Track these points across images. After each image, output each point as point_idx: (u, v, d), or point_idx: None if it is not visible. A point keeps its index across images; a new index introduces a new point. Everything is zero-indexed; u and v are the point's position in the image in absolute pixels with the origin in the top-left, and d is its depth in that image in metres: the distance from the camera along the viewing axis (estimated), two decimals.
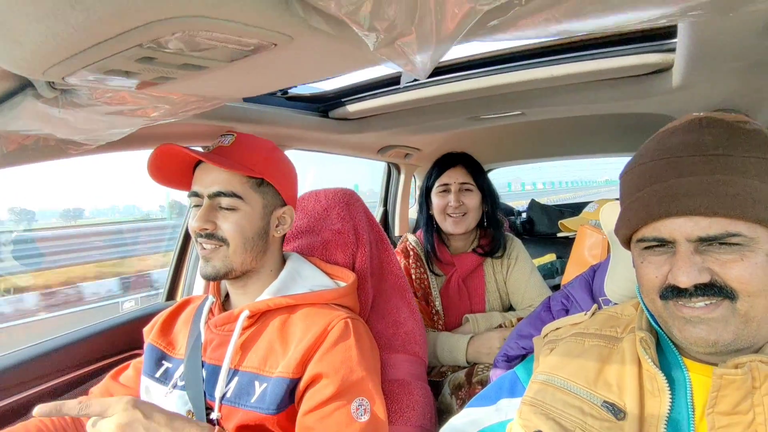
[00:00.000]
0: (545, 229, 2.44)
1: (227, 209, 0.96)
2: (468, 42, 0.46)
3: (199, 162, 1.00)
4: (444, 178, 1.68)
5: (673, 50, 0.91)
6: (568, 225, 2.18)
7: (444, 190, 1.67)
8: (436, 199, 1.68)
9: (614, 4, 0.39)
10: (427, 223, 1.74)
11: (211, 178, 0.96)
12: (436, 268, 1.69)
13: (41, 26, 0.38)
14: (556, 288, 1.89)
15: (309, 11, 0.41)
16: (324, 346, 0.92)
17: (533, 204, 2.58)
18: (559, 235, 2.29)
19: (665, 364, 0.71)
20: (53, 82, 0.56)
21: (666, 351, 0.73)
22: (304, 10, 0.41)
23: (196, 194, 0.98)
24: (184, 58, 0.48)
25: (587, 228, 1.60)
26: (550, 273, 2.13)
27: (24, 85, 0.60)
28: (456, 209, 1.63)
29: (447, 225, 1.66)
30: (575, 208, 2.39)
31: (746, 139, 0.63)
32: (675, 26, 0.90)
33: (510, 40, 0.47)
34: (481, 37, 0.44)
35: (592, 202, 2.12)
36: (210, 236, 0.95)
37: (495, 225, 1.72)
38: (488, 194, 1.69)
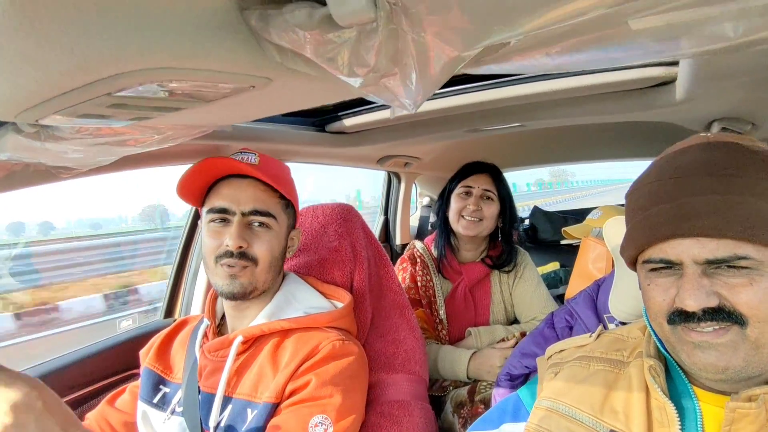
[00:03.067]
0: (548, 236, 2.41)
1: (261, 228, 0.96)
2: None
3: (220, 178, 0.99)
4: (468, 181, 1.66)
5: (676, 63, 0.89)
6: (571, 232, 2.15)
7: (466, 192, 1.66)
8: (455, 202, 1.67)
9: (610, 44, 0.37)
10: (442, 226, 1.72)
11: (246, 195, 0.95)
12: (444, 273, 1.68)
13: (3, 76, 0.36)
14: (560, 298, 1.86)
15: (285, 55, 0.39)
16: (305, 366, 0.91)
17: (536, 211, 2.55)
18: (563, 242, 2.26)
19: (674, 392, 0.69)
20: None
21: (675, 379, 0.71)
22: (280, 55, 0.39)
23: (223, 210, 0.95)
24: (157, 102, 0.46)
25: (591, 240, 1.57)
26: (554, 282, 2.10)
27: (3, 120, 0.58)
28: (473, 213, 1.61)
29: (459, 227, 1.64)
30: (579, 215, 2.36)
31: (756, 161, 0.62)
32: None
33: (502, 73, 0.45)
34: (473, 69, 0.42)
35: (596, 208, 2.09)
36: (242, 255, 0.94)
37: (507, 240, 1.70)
38: (508, 208, 1.68)
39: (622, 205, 2.20)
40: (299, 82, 0.48)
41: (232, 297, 0.96)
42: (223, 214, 0.95)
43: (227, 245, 0.93)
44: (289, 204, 1.03)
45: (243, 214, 0.95)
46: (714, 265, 0.60)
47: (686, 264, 0.61)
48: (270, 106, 0.62)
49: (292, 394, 0.89)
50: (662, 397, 0.66)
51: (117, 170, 1.11)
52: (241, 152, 0.98)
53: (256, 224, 0.96)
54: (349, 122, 1.36)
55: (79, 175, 1.00)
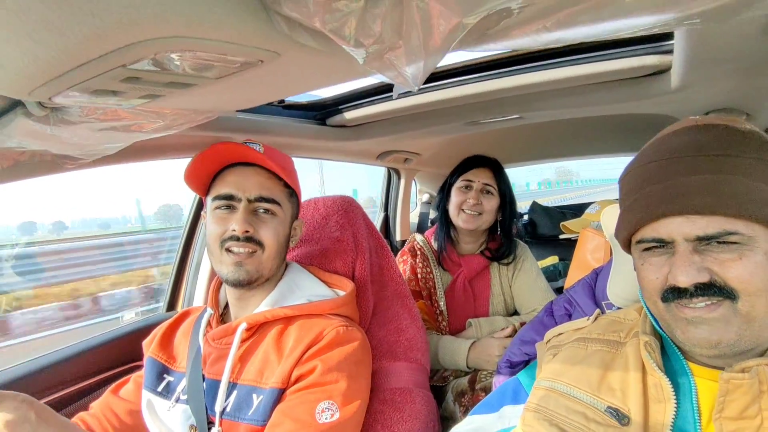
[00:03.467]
0: (547, 231, 2.43)
1: (267, 214, 0.98)
2: (459, 51, 0.45)
3: (225, 167, 1.00)
4: (469, 175, 1.68)
5: (670, 52, 0.90)
6: (570, 227, 2.17)
7: (466, 186, 1.67)
8: (455, 195, 1.68)
9: (608, 14, 0.38)
10: (442, 218, 1.74)
11: (252, 182, 0.97)
12: (444, 265, 1.69)
13: (21, 49, 0.37)
14: (559, 291, 1.88)
15: (294, 27, 0.40)
16: (311, 350, 0.92)
17: (535, 206, 2.56)
18: (562, 237, 2.27)
19: (670, 369, 0.70)
20: (42, 101, 0.56)
21: (671, 355, 0.72)
22: (289, 27, 0.40)
23: (229, 197, 0.97)
24: (170, 76, 0.47)
25: (589, 231, 1.58)
26: (553, 275, 2.11)
27: (14, 104, 0.59)
28: (473, 207, 1.63)
29: (459, 220, 1.66)
30: (577, 210, 2.37)
31: (743, 140, 0.64)
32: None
33: (501, 51, 0.46)
34: (471, 46, 0.44)
35: (594, 203, 2.11)
36: (249, 239, 0.95)
37: (506, 233, 1.72)
38: (508, 203, 1.70)
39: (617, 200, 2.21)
40: (306, 59, 0.50)
41: (238, 284, 0.97)
42: (229, 201, 0.97)
43: (233, 230, 0.94)
44: (293, 193, 1.05)
45: (249, 201, 0.96)
46: (704, 241, 0.62)
47: (677, 241, 0.63)
48: (277, 87, 0.63)
49: (298, 379, 0.90)
50: (657, 372, 0.68)
51: (120, 162, 1.12)
52: (245, 143, 0.99)
53: (262, 211, 0.98)
54: (349, 115, 1.37)
55: (84, 165, 1.01)
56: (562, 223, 2.23)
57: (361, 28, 0.35)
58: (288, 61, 0.49)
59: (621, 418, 0.69)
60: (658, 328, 0.73)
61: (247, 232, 0.94)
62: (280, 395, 0.90)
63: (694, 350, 0.66)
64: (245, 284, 0.97)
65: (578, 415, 0.72)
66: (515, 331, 1.50)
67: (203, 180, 1.02)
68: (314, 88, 0.66)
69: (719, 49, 0.72)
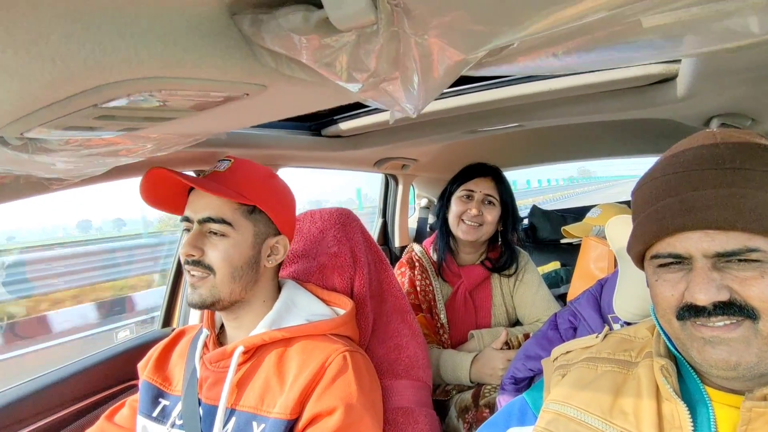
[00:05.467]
0: (548, 235, 2.39)
1: (216, 236, 0.93)
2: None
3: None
4: (470, 185, 1.64)
5: (677, 60, 0.87)
6: (571, 231, 2.14)
7: (467, 196, 1.63)
8: (455, 205, 1.64)
9: (619, 43, 0.35)
10: (441, 228, 1.70)
11: (202, 204, 0.93)
12: (443, 276, 1.66)
13: None
14: (561, 297, 1.85)
15: (280, 61, 0.37)
16: (322, 384, 0.88)
17: (535, 210, 2.53)
18: (563, 241, 2.24)
19: (685, 393, 0.67)
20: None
21: (686, 378, 0.69)
22: (275, 61, 0.37)
23: (187, 219, 0.95)
24: (148, 112, 0.44)
25: (592, 239, 1.56)
26: (555, 282, 2.08)
27: None
28: (474, 218, 1.59)
29: (459, 231, 1.62)
30: (578, 214, 2.34)
31: (762, 155, 0.61)
32: None
33: (508, 74, 0.43)
34: (474, 71, 0.41)
35: (595, 206, 2.08)
36: (197, 263, 0.92)
37: (507, 243, 1.68)
38: (509, 213, 1.66)
39: (621, 202, 2.19)
40: (295, 88, 0.47)
41: (194, 307, 0.94)
42: (187, 223, 0.95)
43: (181, 252, 0.92)
44: (255, 210, 0.97)
45: (199, 222, 0.93)
46: (724, 258, 0.59)
47: (696, 258, 0.60)
48: (265, 112, 0.60)
49: (316, 418, 0.86)
50: (675, 398, 0.65)
51: (110, 179, 1.09)
52: (222, 159, 0.97)
53: (212, 233, 0.93)
54: (345, 126, 1.34)
55: (71, 186, 0.98)
56: (563, 228, 2.20)
57: (353, 63, 0.32)
58: (276, 91, 0.46)
59: None
60: (672, 349, 0.70)
61: (192, 255, 0.91)
62: (288, 427, 0.86)
63: (711, 372, 0.63)
64: (201, 307, 0.94)
65: None
66: (516, 341, 1.47)
67: (174, 203, 0.99)
68: (305, 112, 0.63)
69: (727, 58, 0.69)
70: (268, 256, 1.00)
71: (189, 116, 0.49)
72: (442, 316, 1.59)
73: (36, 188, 0.93)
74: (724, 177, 0.60)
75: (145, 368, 1.07)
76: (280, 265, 1.06)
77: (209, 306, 0.94)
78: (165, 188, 0.96)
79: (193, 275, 0.93)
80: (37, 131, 0.44)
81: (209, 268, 0.92)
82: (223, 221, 0.92)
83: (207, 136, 0.75)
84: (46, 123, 0.41)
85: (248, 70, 0.39)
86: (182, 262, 0.95)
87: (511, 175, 1.73)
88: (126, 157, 0.71)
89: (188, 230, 0.95)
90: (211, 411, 0.92)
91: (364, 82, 0.34)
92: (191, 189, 0.97)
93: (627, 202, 2.22)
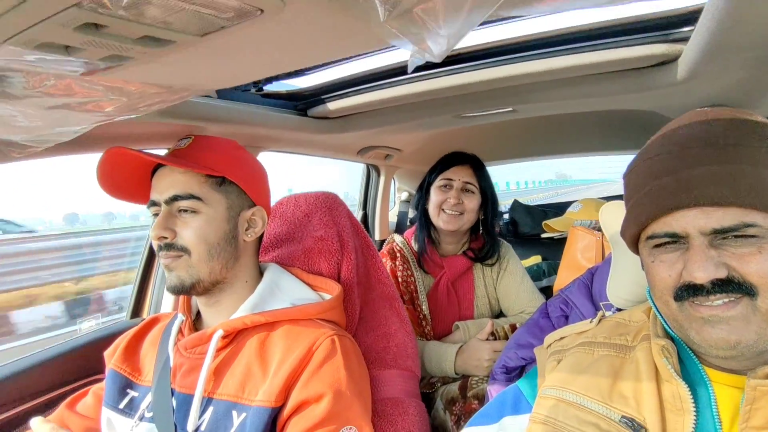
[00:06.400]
0: (529, 230, 2.40)
1: (187, 214, 0.87)
2: (493, 23, 0.37)
3: (156, 169, 0.91)
4: (449, 174, 1.61)
5: (681, 40, 0.86)
6: (552, 225, 2.15)
7: (446, 185, 1.61)
8: (435, 195, 1.62)
9: None
10: (422, 219, 1.67)
11: (166, 182, 0.87)
12: (425, 267, 1.63)
13: None
14: (544, 290, 1.84)
15: None
16: (309, 368, 0.83)
17: (516, 205, 2.54)
18: (544, 236, 2.25)
19: (684, 374, 0.66)
20: None
21: (685, 360, 0.69)
22: None
23: (154, 203, 0.89)
24: (142, 27, 0.37)
25: (579, 229, 1.55)
26: (537, 275, 2.08)
27: None
28: (454, 206, 1.57)
29: (439, 221, 1.59)
30: (558, 209, 2.36)
31: (755, 130, 0.61)
32: (683, 16, 0.86)
33: (546, 14, 0.39)
34: (517, 7, 0.36)
35: (575, 201, 2.09)
36: (170, 246, 0.86)
37: (489, 232, 1.66)
38: (489, 201, 1.64)
39: (602, 198, 2.21)
40: (313, 15, 0.41)
41: (174, 291, 0.88)
42: (155, 207, 0.89)
43: (152, 236, 0.86)
44: (224, 181, 0.91)
45: (166, 202, 0.87)
46: (721, 235, 0.59)
47: (692, 235, 0.60)
48: (269, 57, 0.53)
49: (303, 405, 0.81)
50: (676, 378, 0.64)
51: (75, 152, 1.00)
52: (180, 139, 0.93)
53: (183, 211, 0.87)
54: (333, 105, 1.29)
55: (33, 155, 0.89)
56: (544, 222, 2.21)
57: None
58: (290, 16, 0.40)
59: (637, 429, 0.65)
60: (670, 331, 0.69)
61: (164, 237, 0.85)
62: (272, 415, 0.80)
63: (711, 351, 0.62)
64: (180, 291, 0.88)
65: (591, 427, 0.67)
66: (502, 331, 1.45)
67: (134, 189, 0.93)
68: (311, 63, 0.57)
69: (744, 34, 0.68)
70: (246, 229, 0.94)
71: (188, 46, 0.42)
72: (424, 307, 1.55)
73: None
74: (719, 154, 0.60)
75: (112, 356, 0.99)
76: (260, 243, 1.00)
77: (189, 289, 0.88)
78: (125, 172, 0.90)
79: (167, 259, 0.87)
80: (2, 52, 0.36)
81: (183, 249, 0.86)
82: (191, 196, 0.86)
83: (196, 92, 0.68)
84: (16, 36, 0.34)
85: None
86: (155, 248, 0.88)
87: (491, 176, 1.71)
88: (97, 114, 0.63)
89: (154, 215, 0.89)
90: (186, 400, 0.85)
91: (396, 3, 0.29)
92: (154, 173, 0.91)
93: (606, 198, 2.25)
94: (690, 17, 0.83)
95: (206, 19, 0.38)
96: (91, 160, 0.93)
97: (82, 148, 1.00)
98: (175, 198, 0.86)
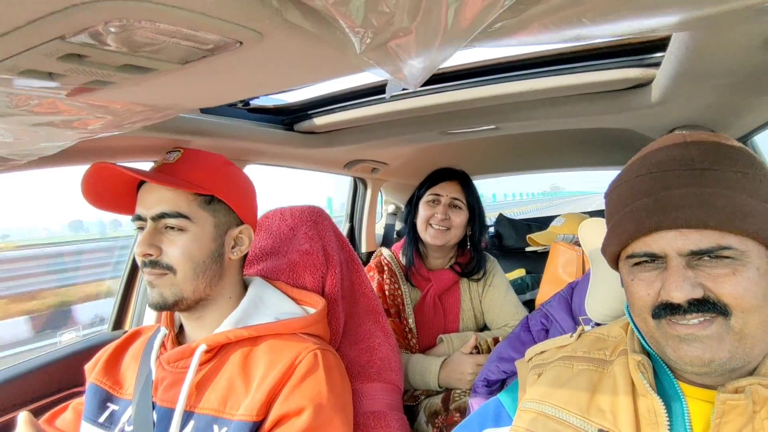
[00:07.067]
0: (513, 243, 2.43)
1: (173, 231, 0.87)
2: (470, 47, 0.40)
3: (142, 182, 0.90)
4: (437, 189, 1.63)
5: (654, 65, 0.90)
6: (536, 239, 2.18)
7: (433, 200, 1.63)
8: (423, 209, 1.63)
9: (637, 6, 0.34)
10: (410, 233, 1.69)
11: (154, 198, 0.87)
12: (412, 281, 1.64)
13: None
14: (527, 304, 1.87)
15: (285, 2, 0.33)
16: (291, 383, 0.83)
17: (501, 218, 2.57)
18: (528, 249, 2.28)
19: (660, 389, 0.68)
20: None
21: (660, 375, 0.70)
22: (279, 1, 0.33)
23: (139, 217, 0.88)
24: (124, 57, 0.38)
25: (560, 245, 1.58)
26: (521, 288, 2.11)
27: None
28: (441, 221, 1.58)
29: (427, 236, 1.61)
30: (542, 222, 2.39)
31: (731, 155, 0.63)
32: (656, 41, 0.89)
33: (515, 46, 0.41)
34: (486, 40, 0.38)
35: (558, 216, 2.13)
36: (154, 264, 0.85)
37: (476, 247, 1.68)
38: (477, 217, 1.66)
39: (585, 212, 2.25)
40: (292, 45, 0.42)
41: (156, 308, 0.88)
42: (140, 221, 0.89)
43: (137, 252, 0.86)
44: (213, 199, 0.91)
45: (153, 219, 0.87)
46: (697, 256, 0.60)
47: (670, 256, 0.62)
48: (250, 81, 0.55)
49: (283, 419, 0.81)
50: (651, 393, 0.66)
51: (59, 164, 1.00)
52: (170, 151, 0.92)
53: (169, 228, 0.87)
54: (319, 121, 1.30)
55: (17, 168, 0.89)
56: (528, 236, 2.24)
57: (373, 3, 0.29)
58: (269, 46, 0.42)
59: None
60: (646, 346, 0.71)
61: (149, 255, 0.85)
62: (253, 429, 0.80)
63: (686, 368, 0.64)
64: (163, 308, 0.88)
65: None
66: (485, 344, 1.46)
67: (119, 201, 0.92)
68: (292, 86, 0.58)
69: (711, 63, 0.71)
70: (233, 248, 0.94)
71: (168, 72, 0.44)
72: (410, 320, 1.56)
73: None
74: (696, 178, 0.61)
75: (92, 370, 0.98)
76: (245, 260, 1.00)
77: (171, 306, 0.87)
78: (110, 185, 0.89)
79: (151, 275, 0.87)
80: None
81: (168, 268, 0.86)
82: (179, 215, 0.86)
83: (179, 111, 0.68)
84: (0, 62, 0.35)
85: (248, 10, 0.34)
86: (139, 264, 0.88)
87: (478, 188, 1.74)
88: (82, 131, 0.64)
89: (141, 229, 0.88)
90: (167, 414, 0.85)
91: (376, 30, 0.31)
92: (140, 185, 0.91)
93: (589, 213, 2.29)
94: (661, 44, 0.86)
95: (187, 50, 0.39)
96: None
97: (65, 161, 1.00)
98: (162, 215, 0.86)
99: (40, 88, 0.42)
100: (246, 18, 0.35)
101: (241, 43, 0.39)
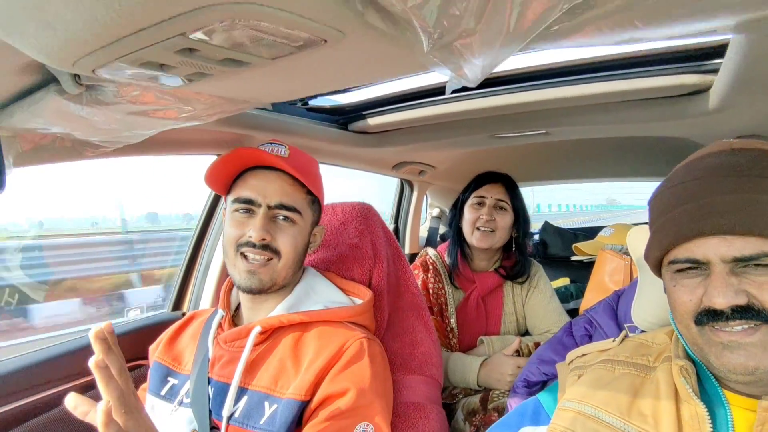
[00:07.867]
0: (559, 252, 2.39)
1: (285, 222, 0.95)
2: (528, 51, 0.43)
3: (248, 168, 0.97)
4: (481, 191, 1.66)
5: (711, 71, 0.89)
6: (583, 248, 2.14)
7: (479, 203, 1.65)
8: (468, 212, 1.66)
9: (690, 10, 0.36)
10: (455, 236, 1.71)
11: (273, 188, 0.94)
12: (456, 282, 1.66)
13: (79, 10, 0.34)
14: (571, 313, 1.84)
15: (367, 5, 0.37)
16: (337, 367, 0.88)
17: (547, 226, 2.53)
18: (573, 258, 2.24)
19: (703, 395, 0.67)
20: (79, 78, 0.53)
21: (704, 382, 0.70)
22: (363, 4, 0.38)
23: (249, 201, 0.94)
24: (227, 52, 0.44)
25: (608, 253, 1.55)
26: (565, 297, 2.08)
27: (48, 80, 0.57)
28: (486, 223, 1.60)
29: (473, 238, 1.63)
30: (590, 232, 2.34)
31: None
32: (715, 47, 0.88)
33: (570, 47, 0.44)
34: (543, 42, 0.41)
35: (607, 226, 2.08)
36: (265, 247, 0.92)
37: (521, 250, 1.69)
38: (521, 219, 1.67)
39: (635, 224, 2.19)
40: (368, 44, 0.47)
41: (249, 291, 0.94)
42: (249, 205, 0.94)
43: (250, 236, 0.92)
44: (315, 200, 1.01)
45: (269, 207, 0.93)
46: (742, 263, 0.60)
47: (713, 262, 0.61)
48: (323, 78, 0.60)
49: (327, 399, 0.86)
50: (694, 398, 0.65)
51: (139, 153, 1.10)
52: (271, 143, 0.97)
53: (281, 218, 0.95)
54: (372, 121, 1.36)
55: (104, 154, 0.99)
56: (575, 245, 2.20)
57: (445, 6, 0.33)
58: (349, 44, 0.47)
59: None
60: (691, 353, 0.70)
61: (264, 239, 0.91)
62: (301, 408, 0.85)
63: (729, 376, 0.63)
64: (256, 292, 0.94)
65: None
66: (527, 349, 1.46)
67: (224, 180, 0.99)
68: (361, 83, 0.64)
69: (764, 70, 0.70)
70: (310, 244, 1.03)
71: (259, 66, 0.50)
72: (452, 320, 1.58)
73: (70, 154, 0.93)
74: (742, 183, 0.61)
75: (155, 351, 1.07)
76: None
77: (266, 290, 0.95)
78: (232, 167, 0.97)
79: (254, 260, 0.93)
80: (111, 67, 0.45)
81: (276, 252, 0.93)
82: (295, 209, 0.95)
83: (254, 104, 0.75)
84: (126, 56, 0.42)
85: (335, 12, 0.39)
86: (239, 246, 0.93)
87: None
88: (165, 121, 0.72)
89: (242, 211, 0.94)
90: (223, 389, 0.91)
91: (445, 31, 0.35)
92: (245, 171, 0.97)
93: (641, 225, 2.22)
94: (719, 50, 0.85)
95: (279, 47, 0.45)
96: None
97: (143, 151, 1.10)
98: (281, 206, 0.94)
99: (148, 78, 0.49)
100: (333, 19, 0.41)
101: (326, 41, 0.44)
